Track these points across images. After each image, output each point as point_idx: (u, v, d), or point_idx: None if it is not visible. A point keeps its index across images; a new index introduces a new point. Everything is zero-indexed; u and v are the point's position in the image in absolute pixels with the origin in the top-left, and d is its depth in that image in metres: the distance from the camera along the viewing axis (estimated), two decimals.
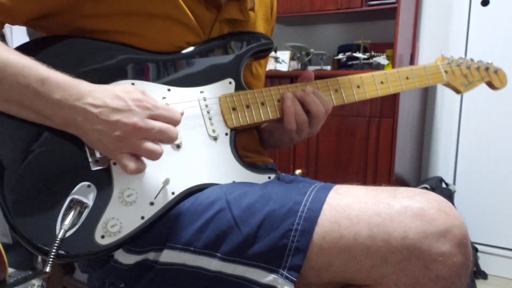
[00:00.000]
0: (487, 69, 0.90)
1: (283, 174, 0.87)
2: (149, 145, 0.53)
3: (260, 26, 0.80)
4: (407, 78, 0.80)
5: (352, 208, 0.52)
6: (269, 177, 0.66)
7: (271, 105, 0.68)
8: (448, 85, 0.87)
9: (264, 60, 0.83)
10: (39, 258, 1.48)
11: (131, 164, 0.53)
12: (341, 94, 0.74)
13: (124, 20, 0.60)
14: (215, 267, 0.55)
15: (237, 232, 0.54)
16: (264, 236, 0.53)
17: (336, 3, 2.05)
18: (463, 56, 0.91)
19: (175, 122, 0.56)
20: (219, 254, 0.55)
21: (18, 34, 0.62)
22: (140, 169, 0.55)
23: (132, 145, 0.53)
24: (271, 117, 0.68)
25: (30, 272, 1.57)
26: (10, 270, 1.47)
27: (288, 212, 0.54)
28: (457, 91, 0.88)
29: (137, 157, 0.55)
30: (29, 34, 0.73)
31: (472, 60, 0.89)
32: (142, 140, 0.53)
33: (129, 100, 0.53)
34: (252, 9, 0.76)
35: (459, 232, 0.49)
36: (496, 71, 0.91)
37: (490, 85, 0.92)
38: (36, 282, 1.64)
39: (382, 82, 0.78)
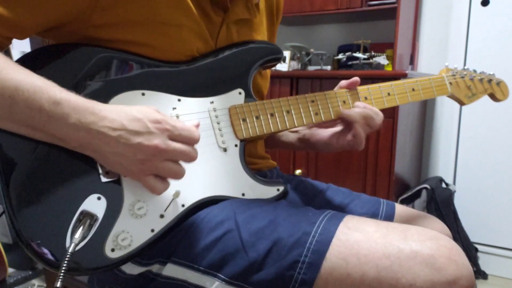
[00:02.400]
0: (490, 81, 0.90)
1: (284, 174, 0.87)
2: (173, 166, 0.53)
3: (264, 23, 0.79)
4: (413, 89, 0.80)
5: (361, 246, 0.51)
6: (278, 189, 0.66)
7: (280, 115, 0.68)
8: (452, 96, 0.87)
9: None
10: None
11: (160, 186, 0.54)
12: (349, 106, 0.74)
13: (133, 30, 0.59)
14: None
15: (243, 256, 0.53)
16: (271, 264, 0.52)
17: (336, 3, 2.04)
18: (466, 67, 0.90)
19: (194, 142, 0.55)
20: (222, 276, 0.54)
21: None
22: (166, 189, 0.55)
23: (155, 167, 0.52)
24: (280, 128, 0.68)
25: (30, 272, 1.56)
26: (10, 270, 1.46)
27: (296, 242, 0.53)
28: (461, 103, 0.88)
29: (160, 177, 0.54)
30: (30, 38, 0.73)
31: (475, 71, 0.89)
32: (165, 162, 0.53)
33: (148, 121, 0.51)
34: (257, 4, 0.73)
35: (467, 282, 0.48)
36: (499, 83, 0.91)
37: (493, 97, 0.92)
38: (36, 282, 1.64)
39: (388, 94, 0.77)
